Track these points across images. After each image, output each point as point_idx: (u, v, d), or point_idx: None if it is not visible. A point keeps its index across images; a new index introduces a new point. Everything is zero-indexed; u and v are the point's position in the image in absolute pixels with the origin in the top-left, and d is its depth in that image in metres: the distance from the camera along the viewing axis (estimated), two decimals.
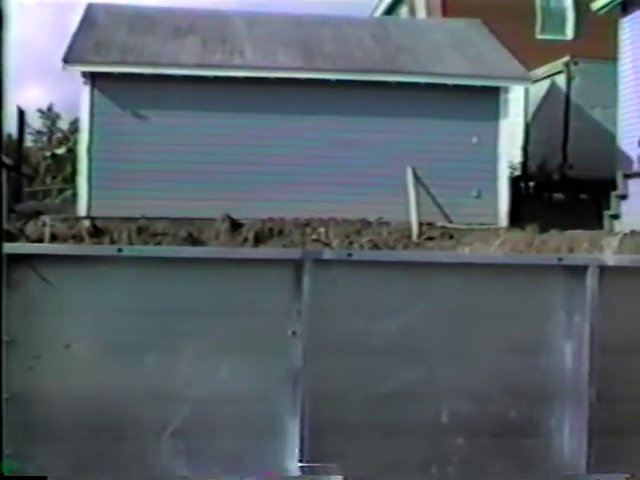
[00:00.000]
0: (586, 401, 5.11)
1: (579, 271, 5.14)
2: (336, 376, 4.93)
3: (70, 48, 20.16)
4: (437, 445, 5.09)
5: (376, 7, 35.52)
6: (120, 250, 4.94)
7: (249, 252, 5.82)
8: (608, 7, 21.74)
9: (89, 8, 22.54)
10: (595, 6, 22.24)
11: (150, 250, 5.74)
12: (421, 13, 31.90)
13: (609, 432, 5.12)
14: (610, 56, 21.71)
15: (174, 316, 4.89)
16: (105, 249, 5.11)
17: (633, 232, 15.80)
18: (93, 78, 20.00)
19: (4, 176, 20.69)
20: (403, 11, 33.98)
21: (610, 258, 5.78)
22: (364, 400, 4.98)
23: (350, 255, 5.02)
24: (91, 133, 20.04)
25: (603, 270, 5.15)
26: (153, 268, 4.89)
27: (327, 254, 4.90)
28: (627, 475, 5.03)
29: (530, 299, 5.22)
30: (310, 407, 4.83)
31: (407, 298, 5.03)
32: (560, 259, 5.29)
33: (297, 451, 4.83)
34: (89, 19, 21.93)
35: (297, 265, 4.83)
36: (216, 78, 20.11)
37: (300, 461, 4.83)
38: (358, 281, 4.96)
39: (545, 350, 5.20)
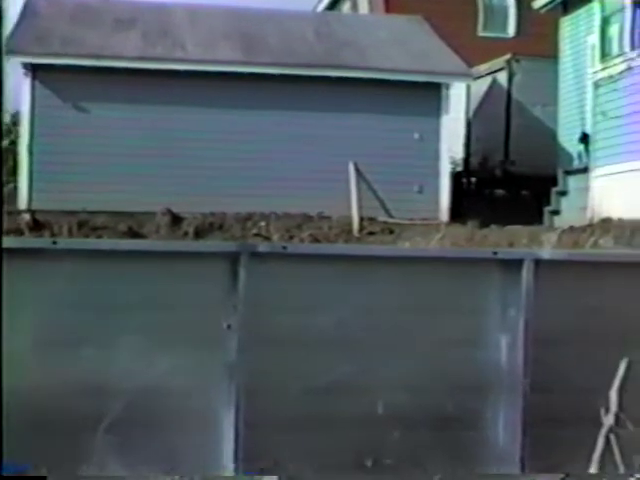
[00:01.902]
0: (521, 393, 5.15)
1: (514, 265, 5.18)
2: (272, 370, 4.93)
3: (10, 39, 19.89)
4: (374, 438, 5.10)
5: (319, 2, 35.48)
6: (55, 242, 4.89)
7: (185, 245, 5.79)
8: (549, 6, 21.94)
9: None
10: (536, 5, 22.43)
11: (85, 243, 5.67)
12: (364, 9, 31.92)
13: (544, 423, 5.16)
14: (551, 54, 21.92)
15: (109, 310, 4.85)
16: (39, 242, 5.05)
17: (572, 228, 15.94)
18: (34, 70, 19.77)
19: None
20: (346, 6, 33.97)
21: (545, 252, 5.82)
22: (300, 394, 4.97)
23: (285, 248, 5.01)
24: (32, 125, 19.79)
25: (538, 264, 5.19)
26: (89, 261, 4.85)
27: (262, 247, 4.90)
28: (562, 475, 5.08)
29: (466, 292, 5.25)
30: (245, 401, 4.82)
31: (343, 292, 5.04)
32: (495, 253, 5.33)
33: (232, 445, 4.82)
34: (30, 9, 21.66)
35: (233, 258, 4.81)
36: (157, 71, 19.96)
37: (235, 454, 4.82)
38: (294, 274, 4.95)
39: (481, 343, 5.23)
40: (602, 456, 5.06)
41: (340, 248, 6.32)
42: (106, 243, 5.75)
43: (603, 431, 4.97)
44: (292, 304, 4.95)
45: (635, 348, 5.32)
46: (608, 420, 4.99)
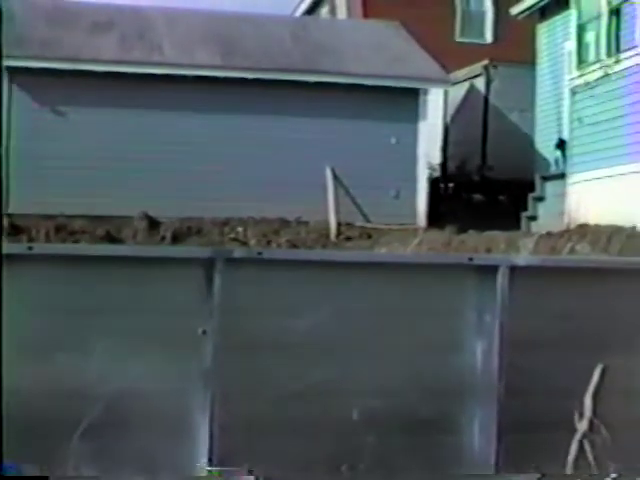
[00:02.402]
0: (496, 397, 5.17)
1: (490, 271, 5.21)
2: (247, 374, 4.93)
3: None
4: (348, 443, 5.11)
5: (297, 6, 35.51)
6: (30, 248, 4.88)
7: (160, 251, 5.79)
8: (527, 12, 22.03)
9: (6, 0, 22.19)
10: (514, 11, 22.51)
11: (61, 248, 5.67)
12: (342, 13, 31.97)
13: (518, 427, 5.19)
14: (528, 60, 22.00)
15: (85, 314, 4.85)
16: (15, 247, 5.04)
17: (549, 233, 16.01)
18: (11, 73, 19.69)
19: None
20: (324, 11, 34.01)
21: (520, 258, 5.86)
22: (275, 398, 4.98)
23: (260, 254, 5.02)
24: (9, 129, 19.72)
25: (513, 270, 5.22)
26: (65, 266, 4.84)
27: (238, 253, 4.90)
28: (539, 475, 5.10)
29: (442, 298, 5.27)
30: (220, 405, 4.83)
31: (318, 297, 5.05)
32: (471, 259, 5.35)
33: (207, 449, 4.82)
34: (6, 12, 21.56)
35: (208, 264, 4.82)
36: (135, 75, 19.93)
37: (210, 459, 4.82)
38: (269, 280, 4.96)
39: (456, 348, 5.26)
40: (576, 461, 5.08)
41: (315, 254, 6.34)
42: (82, 248, 5.76)
43: (577, 436, 5.00)
44: (267, 309, 4.96)
45: (609, 353, 5.36)
46: (582, 425, 5.02)
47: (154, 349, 4.85)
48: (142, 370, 4.84)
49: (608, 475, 5.04)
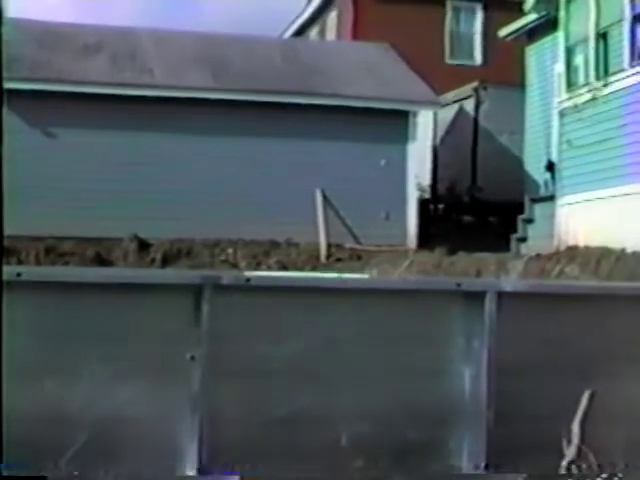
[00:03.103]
0: (484, 423, 5.17)
1: (477, 296, 5.22)
2: (235, 400, 4.93)
3: None
4: (336, 468, 5.10)
5: (287, 28, 35.63)
6: (19, 275, 4.87)
7: (149, 277, 5.76)
8: (515, 34, 22.14)
9: None
10: (502, 33, 22.62)
11: (49, 275, 5.65)
12: (331, 35, 32.09)
13: (507, 452, 5.18)
14: (518, 82, 22.09)
15: (73, 340, 4.84)
16: (4, 273, 5.03)
17: (538, 255, 16.04)
18: (1, 94, 19.68)
19: None
20: (313, 32, 34.13)
21: (508, 284, 5.86)
22: (263, 424, 4.98)
23: (248, 280, 5.03)
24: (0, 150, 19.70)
25: (501, 295, 5.23)
26: (53, 292, 4.83)
27: (226, 279, 4.90)
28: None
29: (430, 323, 5.28)
30: (208, 431, 4.82)
31: (306, 322, 5.05)
32: (459, 285, 5.36)
33: (195, 475, 4.81)
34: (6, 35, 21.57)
35: (196, 290, 4.82)
36: (125, 97, 19.96)
37: None
38: (257, 306, 4.97)
39: (444, 373, 5.26)
40: None
41: (302, 280, 6.32)
42: (71, 274, 5.73)
43: (564, 462, 5.01)
44: (255, 335, 4.96)
45: (597, 379, 5.37)
46: (570, 451, 5.02)
47: (142, 375, 4.84)
48: (130, 396, 4.83)
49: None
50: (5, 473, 4.46)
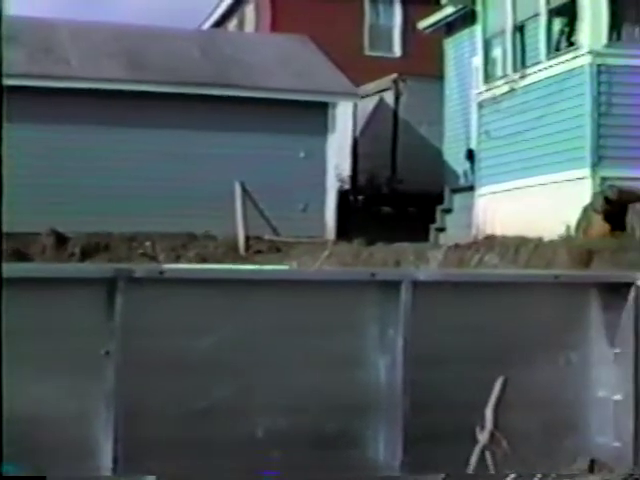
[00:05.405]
0: (400, 412, 5.20)
1: (393, 286, 5.23)
2: (151, 395, 4.88)
3: None
4: (254, 460, 5.10)
5: (205, 20, 35.43)
6: None
7: (61, 271, 5.68)
8: (433, 27, 22.33)
9: None
10: (421, 25, 22.78)
11: None
12: (250, 27, 31.99)
13: (423, 441, 5.22)
14: (436, 74, 22.27)
15: None
16: None
17: (457, 245, 16.17)
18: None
19: None
20: (232, 24, 33.99)
21: (423, 273, 5.91)
22: (179, 418, 4.94)
23: (162, 273, 4.99)
24: None
25: (416, 285, 5.25)
26: None
27: (139, 272, 4.84)
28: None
29: (345, 314, 5.28)
30: (124, 427, 4.76)
31: (222, 315, 5.02)
32: (373, 274, 5.37)
33: (110, 471, 4.76)
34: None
35: (110, 283, 4.76)
36: (41, 88, 19.67)
37: None
38: (172, 298, 4.92)
39: (360, 363, 5.27)
40: (476, 470, 5.14)
41: (219, 272, 6.29)
42: None
43: (477, 448, 5.06)
44: (170, 328, 4.92)
45: (512, 366, 5.43)
46: (483, 437, 5.08)
47: (56, 371, 4.77)
48: (44, 393, 4.76)
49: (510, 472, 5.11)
50: None
